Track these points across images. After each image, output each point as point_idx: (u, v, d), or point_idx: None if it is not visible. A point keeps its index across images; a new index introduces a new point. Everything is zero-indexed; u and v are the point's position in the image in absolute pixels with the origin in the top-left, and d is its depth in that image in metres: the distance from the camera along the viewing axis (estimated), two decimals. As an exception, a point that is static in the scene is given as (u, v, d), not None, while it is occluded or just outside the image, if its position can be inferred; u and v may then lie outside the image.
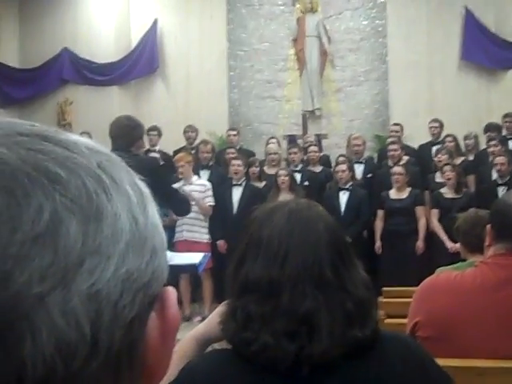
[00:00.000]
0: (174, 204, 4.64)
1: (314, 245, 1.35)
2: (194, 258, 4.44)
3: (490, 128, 8.68)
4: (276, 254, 1.34)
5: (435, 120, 8.96)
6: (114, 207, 0.47)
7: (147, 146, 8.87)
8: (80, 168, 0.47)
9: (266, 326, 1.29)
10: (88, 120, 10.38)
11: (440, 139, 8.75)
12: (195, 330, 1.68)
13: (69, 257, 0.43)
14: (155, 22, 10.72)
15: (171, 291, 0.53)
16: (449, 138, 8.40)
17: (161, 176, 4.52)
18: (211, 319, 1.64)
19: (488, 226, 2.24)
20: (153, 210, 0.52)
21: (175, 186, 7.29)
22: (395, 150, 7.98)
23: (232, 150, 8.45)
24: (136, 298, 0.47)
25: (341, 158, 7.88)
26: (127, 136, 4.27)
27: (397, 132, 9.02)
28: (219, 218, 7.44)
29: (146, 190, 0.53)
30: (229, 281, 1.40)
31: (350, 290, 1.32)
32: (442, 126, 8.89)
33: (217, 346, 1.70)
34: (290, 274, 1.32)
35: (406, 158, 8.17)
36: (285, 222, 1.38)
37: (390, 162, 8.00)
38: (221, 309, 1.44)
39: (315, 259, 1.34)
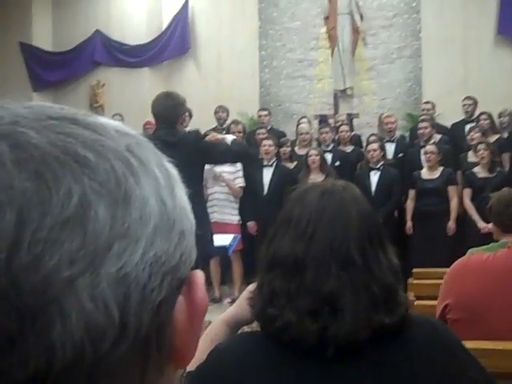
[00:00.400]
0: (233, 152, 4.66)
1: (344, 226, 1.35)
2: (225, 239, 4.47)
3: None
4: (303, 232, 1.35)
5: (469, 97, 8.81)
6: (143, 190, 0.47)
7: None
8: (108, 151, 0.47)
9: (290, 302, 1.29)
10: (120, 102, 10.45)
11: (474, 117, 8.61)
12: (225, 314, 1.70)
13: (97, 240, 0.44)
14: (186, 2, 10.71)
15: (199, 274, 0.53)
16: (483, 116, 8.24)
17: (207, 143, 4.61)
18: (241, 301, 1.66)
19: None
20: (181, 192, 0.52)
21: None
22: (425, 128, 7.88)
23: (263, 131, 8.43)
24: (164, 281, 0.47)
25: (372, 137, 7.82)
26: (171, 115, 4.32)
27: (428, 110, 8.91)
28: (249, 199, 7.45)
29: (174, 172, 0.53)
30: (260, 259, 1.41)
31: (375, 274, 1.32)
32: (475, 103, 8.74)
33: (247, 328, 1.72)
34: (315, 252, 1.32)
35: (438, 136, 8.06)
36: (316, 201, 1.39)
37: (421, 141, 7.91)
38: (248, 292, 1.45)
39: (343, 240, 1.34)
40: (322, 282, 1.29)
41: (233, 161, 5.60)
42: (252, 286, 1.43)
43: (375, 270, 1.33)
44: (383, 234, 1.42)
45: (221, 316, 1.70)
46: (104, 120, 0.51)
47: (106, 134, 0.48)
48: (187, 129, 8.84)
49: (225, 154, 4.63)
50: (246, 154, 5.00)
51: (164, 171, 0.51)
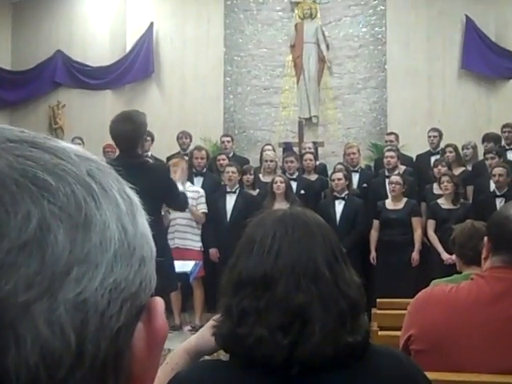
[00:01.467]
0: (179, 203, 4.72)
1: (309, 242, 1.38)
2: (186, 266, 4.44)
3: (487, 139, 8.68)
4: (270, 248, 1.37)
5: (434, 129, 8.96)
6: (103, 215, 0.47)
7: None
8: (69, 175, 0.47)
9: (260, 319, 1.30)
10: (80, 124, 10.38)
11: (439, 149, 8.75)
12: (187, 342, 1.69)
13: (56, 265, 0.43)
14: (151, 25, 10.74)
15: (159, 301, 0.53)
16: (449, 149, 8.35)
17: (171, 183, 4.59)
18: (203, 331, 1.65)
19: (485, 238, 2.25)
20: (142, 219, 0.53)
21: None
22: (391, 157, 7.99)
23: (223, 157, 8.47)
24: (123, 307, 0.47)
25: (338, 166, 7.89)
26: (130, 139, 4.20)
27: (391, 141, 9.02)
28: (212, 225, 7.44)
29: (136, 199, 0.53)
30: (222, 284, 1.41)
31: (343, 289, 1.35)
32: (441, 135, 8.89)
33: (208, 358, 1.71)
34: (284, 267, 1.34)
35: (402, 167, 8.18)
36: (278, 222, 1.42)
37: (386, 171, 8.01)
38: (212, 321, 1.45)
39: (310, 256, 1.36)
40: (291, 295, 1.31)
41: (173, 208, 5.64)
42: (217, 316, 1.43)
43: (342, 285, 1.35)
44: (344, 252, 1.45)
45: (182, 345, 1.69)
46: (65, 144, 0.51)
47: (66, 159, 0.48)
48: (149, 153, 8.87)
49: (173, 201, 4.66)
50: (181, 208, 5.05)
51: (126, 198, 0.51)
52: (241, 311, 1.33)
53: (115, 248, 0.47)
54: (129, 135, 4.18)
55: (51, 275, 0.43)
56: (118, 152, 4.57)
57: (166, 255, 4.21)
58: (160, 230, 4.40)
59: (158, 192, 4.10)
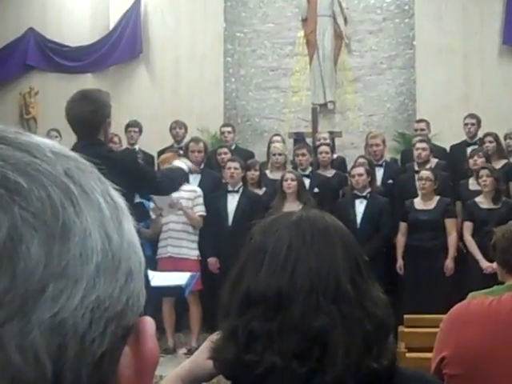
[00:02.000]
0: (158, 186, 4.54)
1: (330, 254, 1.37)
2: (180, 278, 4.45)
3: None
4: (284, 261, 1.35)
5: (471, 115, 8.94)
6: (84, 222, 0.48)
7: (125, 145, 8.88)
8: (44, 176, 0.47)
9: (272, 344, 1.29)
10: (56, 114, 10.30)
11: (476, 139, 8.73)
12: (180, 368, 1.69)
13: (29, 281, 0.44)
14: (138, -2, 10.76)
15: (149, 322, 0.53)
16: (489, 138, 8.33)
17: (141, 169, 4.50)
18: (199, 354, 1.65)
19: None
20: (129, 225, 0.53)
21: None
22: (423, 149, 7.97)
23: (225, 150, 8.47)
24: (107, 329, 0.47)
25: (360, 160, 7.87)
26: (90, 123, 4.05)
27: (422, 130, 9.01)
28: (211, 230, 7.44)
29: (122, 202, 0.53)
30: (224, 301, 1.40)
31: (369, 309, 1.34)
32: (479, 122, 8.87)
33: (206, 386, 1.71)
34: (301, 283, 1.33)
35: (434, 160, 8.17)
36: (293, 228, 1.40)
37: (415, 165, 8.00)
38: (210, 342, 1.45)
39: (331, 269, 1.35)
40: (310, 318, 1.30)
41: (154, 194, 5.43)
42: (214, 336, 1.43)
43: (368, 303, 1.34)
44: (368, 264, 1.44)
45: (175, 371, 1.69)
46: (39, 139, 0.51)
47: (41, 157, 0.48)
48: (136, 146, 8.89)
49: (150, 187, 4.55)
50: (165, 191, 4.84)
51: (110, 201, 0.52)
52: (249, 334, 1.32)
53: (98, 260, 0.48)
54: (89, 118, 4.04)
55: (23, 293, 0.43)
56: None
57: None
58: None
59: (127, 185, 4.03)
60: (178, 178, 4.76)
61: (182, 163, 4.86)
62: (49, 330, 0.44)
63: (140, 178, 4.26)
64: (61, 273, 0.45)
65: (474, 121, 8.88)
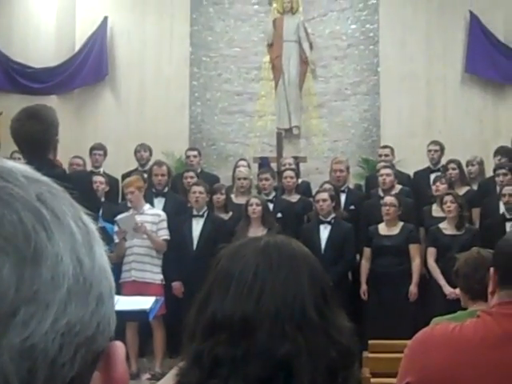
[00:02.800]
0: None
1: (296, 281, 1.37)
2: (144, 302, 4.41)
3: (502, 152, 8.73)
4: (250, 287, 1.35)
5: (435, 142, 9.02)
6: (56, 247, 0.48)
7: (89, 168, 8.83)
8: (16, 200, 0.47)
9: (237, 371, 1.29)
10: (20, 135, 10.28)
11: (440, 165, 8.81)
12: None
13: (0, 306, 0.44)
14: (105, 20, 10.73)
15: (119, 347, 0.54)
16: (452, 165, 8.40)
17: (92, 196, 4.40)
18: (165, 381, 1.64)
19: (491, 270, 2.27)
20: (100, 250, 0.53)
21: (122, 216, 7.29)
22: (387, 175, 8.03)
23: (191, 174, 8.46)
24: (77, 354, 0.47)
25: (326, 185, 7.90)
26: (40, 143, 3.89)
27: (386, 156, 9.07)
28: (175, 254, 7.40)
29: (93, 227, 0.54)
30: (190, 325, 1.39)
31: (334, 336, 1.34)
32: (442, 149, 8.95)
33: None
34: (267, 310, 1.32)
35: (398, 186, 8.23)
36: (260, 254, 1.40)
37: (379, 191, 8.05)
38: (176, 369, 1.44)
39: (297, 296, 1.35)
40: (276, 344, 1.30)
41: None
42: (182, 363, 1.42)
43: (333, 331, 1.35)
44: (333, 292, 1.44)
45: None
46: (12, 164, 0.51)
47: (13, 181, 0.49)
48: (101, 169, 8.83)
49: (93, 207, 4.53)
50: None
51: (82, 226, 0.52)
52: (213, 360, 1.31)
53: (69, 284, 0.48)
54: (38, 137, 3.86)
55: None
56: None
57: None
58: None
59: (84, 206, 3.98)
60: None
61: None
62: (19, 355, 0.44)
63: (91, 201, 4.17)
64: (32, 297, 0.45)
65: (437, 147, 8.96)
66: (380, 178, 8.07)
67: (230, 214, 7.84)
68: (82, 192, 3.83)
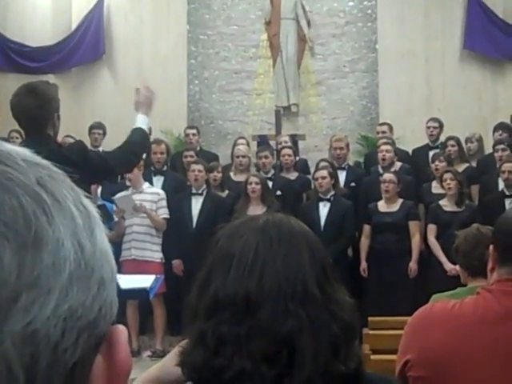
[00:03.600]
0: (118, 164, 4.32)
1: (297, 258, 1.38)
2: (145, 281, 4.43)
3: (501, 128, 8.72)
4: (252, 265, 1.36)
5: (434, 119, 9.01)
6: (56, 232, 0.48)
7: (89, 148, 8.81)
8: (16, 185, 0.47)
9: (241, 349, 1.30)
10: (18, 115, 10.27)
11: (438, 142, 8.82)
12: (147, 374, 1.68)
13: (1, 291, 0.44)
14: (101, -1, 10.69)
15: (121, 330, 0.54)
16: (451, 142, 8.41)
17: (92, 157, 4.32)
18: (167, 361, 1.65)
19: (491, 247, 2.27)
20: (101, 234, 0.53)
21: (120, 195, 7.28)
22: (387, 151, 8.02)
23: (191, 153, 8.45)
24: (80, 339, 0.47)
25: (322, 163, 7.91)
26: (37, 119, 3.88)
27: (384, 133, 9.05)
28: (175, 233, 7.42)
29: (94, 211, 0.53)
30: (192, 305, 1.40)
31: (335, 312, 1.35)
32: (441, 126, 8.95)
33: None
34: (269, 287, 1.34)
35: (398, 164, 8.24)
36: (260, 232, 1.41)
37: (379, 168, 8.06)
38: (179, 348, 1.45)
39: (298, 273, 1.36)
40: (279, 321, 1.31)
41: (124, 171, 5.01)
42: (184, 342, 1.43)
43: (334, 306, 1.36)
44: (333, 268, 1.46)
45: (142, 376, 1.68)
46: (10, 147, 0.51)
47: (12, 165, 0.48)
48: (100, 149, 8.82)
49: (115, 168, 4.33)
50: (127, 165, 4.56)
51: (82, 210, 0.52)
52: (217, 339, 1.32)
53: (70, 269, 0.48)
54: (36, 113, 3.87)
55: None
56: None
57: None
58: None
59: (82, 178, 3.89)
60: (134, 150, 4.42)
61: (142, 120, 4.48)
62: (21, 341, 0.44)
63: (92, 168, 4.03)
64: (33, 282, 0.45)
65: (436, 124, 8.96)
66: (380, 155, 8.07)
67: (227, 192, 7.84)
68: (75, 163, 3.69)
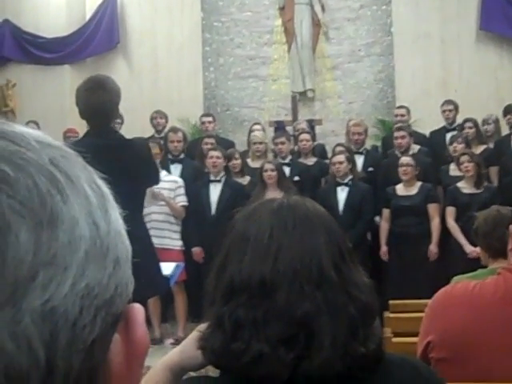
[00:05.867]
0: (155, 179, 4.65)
1: (312, 240, 1.38)
2: (166, 268, 4.46)
3: (509, 112, 8.69)
4: (267, 248, 1.37)
5: (449, 102, 8.98)
6: (71, 210, 0.48)
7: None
8: (30, 164, 0.47)
9: (258, 332, 1.30)
10: (35, 106, 10.33)
11: (455, 124, 8.79)
12: (168, 357, 1.69)
13: (19, 269, 0.44)
14: (115, -12, 10.71)
15: (138, 309, 0.54)
16: (468, 124, 8.37)
17: (153, 161, 4.57)
18: (187, 344, 1.65)
19: (510, 227, 2.27)
20: (115, 213, 0.53)
21: None
22: (402, 138, 8.00)
23: (211, 140, 8.44)
24: (97, 316, 0.48)
25: (338, 148, 7.90)
26: (106, 112, 4.03)
27: (402, 116, 9.04)
28: (194, 220, 7.44)
29: (107, 191, 0.54)
30: (210, 290, 1.41)
31: (353, 293, 1.35)
32: (456, 108, 8.91)
33: (194, 375, 1.71)
34: (285, 270, 1.34)
35: (415, 146, 8.21)
36: (274, 215, 1.41)
37: (396, 152, 8.04)
38: (197, 332, 1.45)
39: (314, 255, 1.36)
40: (295, 304, 1.31)
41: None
42: (203, 325, 1.43)
43: (352, 288, 1.36)
44: (351, 249, 1.46)
45: (162, 360, 1.69)
46: (22, 129, 0.51)
47: (25, 145, 0.49)
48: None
49: (152, 180, 4.63)
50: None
51: (96, 189, 0.52)
52: (234, 323, 1.33)
53: (86, 248, 0.48)
54: (106, 108, 4.01)
55: (14, 281, 0.44)
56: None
57: (147, 253, 4.18)
58: (140, 224, 4.34)
59: (140, 174, 4.08)
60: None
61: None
62: (40, 318, 0.44)
63: (150, 168, 4.34)
64: (50, 260, 0.46)
65: (451, 107, 8.92)
66: (395, 142, 8.05)
67: (248, 178, 7.85)
68: (141, 158, 3.96)
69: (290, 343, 1.30)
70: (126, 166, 3.82)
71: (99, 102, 3.99)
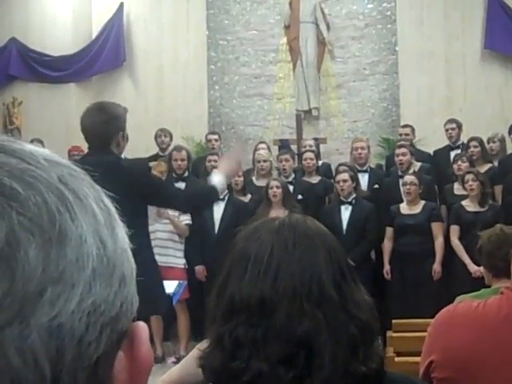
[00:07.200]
0: (178, 202, 4.59)
1: (312, 258, 1.38)
2: (168, 286, 4.45)
3: None
4: (267, 267, 1.37)
5: (451, 120, 8.97)
6: (79, 228, 0.48)
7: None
8: (39, 182, 0.48)
9: (257, 351, 1.30)
10: (40, 124, 10.36)
11: (459, 143, 8.78)
12: (167, 375, 1.69)
13: (27, 285, 0.44)
14: (121, 7, 10.73)
15: (142, 327, 0.54)
16: (473, 143, 8.35)
17: (154, 180, 4.53)
18: (186, 363, 1.66)
19: (514, 247, 2.27)
20: (122, 231, 0.54)
21: None
22: (403, 155, 7.98)
23: (215, 158, 8.43)
24: (103, 333, 0.48)
25: (341, 167, 7.90)
26: (102, 133, 4.06)
27: (407, 135, 9.04)
28: (197, 239, 7.43)
29: (113, 209, 0.54)
30: (210, 308, 1.41)
31: (353, 312, 1.35)
32: (460, 127, 8.90)
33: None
34: (284, 289, 1.34)
35: (418, 164, 8.20)
36: (275, 234, 1.41)
37: (399, 170, 8.03)
38: (197, 351, 1.45)
39: (313, 273, 1.36)
40: (295, 323, 1.31)
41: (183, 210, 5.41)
42: (203, 344, 1.43)
43: (352, 307, 1.36)
44: (352, 267, 1.45)
45: (162, 378, 1.69)
46: (31, 147, 0.51)
47: (35, 163, 0.49)
48: (122, 155, 8.85)
49: (168, 201, 4.59)
50: (186, 208, 4.86)
51: (103, 207, 0.52)
52: (234, 341, 1.33)
53: (93, 265, 0.48)
54: (100, 128, 4.05)
55: (22, 297, 0.44)
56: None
57: (150, 271, 4.19)
58: (142, 241, 4.35)
59: (137, 194, 4.07)
60: (201, 201, 4.77)
61: (219, 180, 4.60)
62: (47, 334, 0.45)
63: (151, 191, 4.28)
64: (58, 277, 0.46)
65: (453, 125, 8.92)
66: (396, 159, 8.04)
67: (249, 196, 7.84)
68: (135, 179, 3.93)
69: (290, 362, 1.29)
70: (122, 188, 3.79)
71: (92, 123, 4.06)
